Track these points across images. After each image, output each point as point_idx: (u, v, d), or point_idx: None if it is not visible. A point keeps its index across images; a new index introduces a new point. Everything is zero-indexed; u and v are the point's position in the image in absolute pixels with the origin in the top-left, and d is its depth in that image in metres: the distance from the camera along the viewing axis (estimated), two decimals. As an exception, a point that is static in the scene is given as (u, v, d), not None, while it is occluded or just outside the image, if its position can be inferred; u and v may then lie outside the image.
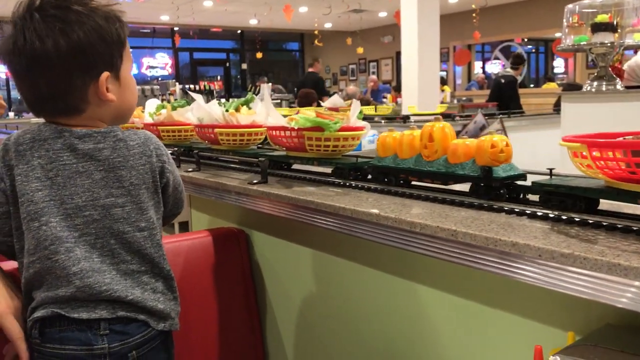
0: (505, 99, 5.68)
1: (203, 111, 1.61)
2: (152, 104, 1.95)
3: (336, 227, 1.08)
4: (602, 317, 0.78)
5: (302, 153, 1.32)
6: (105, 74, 0.92)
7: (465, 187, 1.03)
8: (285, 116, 1.38)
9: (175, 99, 6.37)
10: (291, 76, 14.89)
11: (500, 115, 4.21)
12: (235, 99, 1.66)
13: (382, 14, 11.32)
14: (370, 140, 2.80)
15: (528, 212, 0.88)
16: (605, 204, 0.86)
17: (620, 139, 0.78)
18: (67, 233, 0.90)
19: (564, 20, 2.84)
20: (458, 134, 1.25)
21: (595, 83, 2.75)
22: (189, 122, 1.78)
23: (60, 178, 0.91)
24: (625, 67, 3.24)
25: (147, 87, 6.83)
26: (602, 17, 2.66)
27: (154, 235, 0.97)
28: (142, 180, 0.95)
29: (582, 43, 2.73)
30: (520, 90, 6.21)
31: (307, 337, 1.42)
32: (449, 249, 0.87)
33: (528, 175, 0.97)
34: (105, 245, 0.92)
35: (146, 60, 12.91)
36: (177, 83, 8.09)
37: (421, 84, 5.59)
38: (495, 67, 12.04)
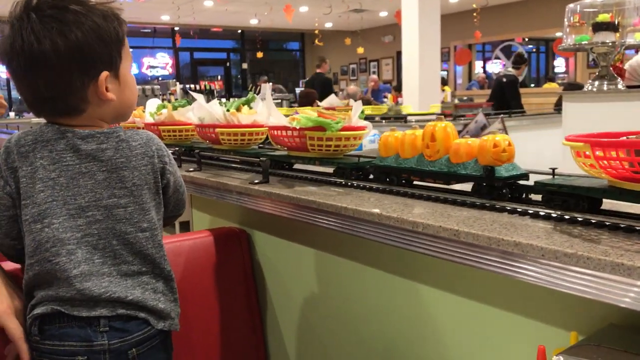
0: (506, 98, 5.68)
1: (204, 111, 1.61)
2: (152, 103, 1.95)
3: (338, 227, 1.08)
4: (605, 317, 0.78)
5: (303, 153, 1.32)
6: (105, 74, 0.91)
7: (467, 186, 1.03)
8: (286, 116, 1.38)
9: (176, 99, 6.37)
10: (292, 76, 14.88)
11: (502, 115, 4.21)
12: (236, 99, 1.66)
13: (383, 14, 11.32)
14: (371, 140, 2.79)
15: (531, 211, 0.88)
16: (607, 204, 0.86)
17: (624, 138, 0.78)
18: (69, 234, 0.90)
19: (565, 19, 2.83)
20: (459, 133, 1.25)
21: (596, 82, 2.75)
22: (190, 121, 1.78)
23: (63, 179, 0.91)
24: (626, 66, 3.24)
25: (147, 87, 6.83)
26: (603, 17, 2.66)
27: (155, 235, 0.97)
28: (144, 181, 0.95)
29: (583, 42, 2.72)
30: (521, 90, 6.20)
31: (309, 337, 1.42)
32: (451, 249, 0.87)
33: (530, 175, 0.97)
34: (107, 246, 0.92)
35: (147, 60, 12.91)
36: (177, 83, 8.09)
37: (422, 84, 5.59)
38: (495, 66, 12.04)
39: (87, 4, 0.91)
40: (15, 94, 11.39)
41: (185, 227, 1.93)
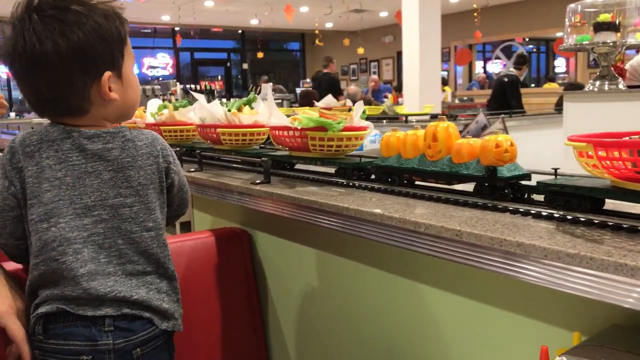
0: (507, 98, 5.68)
1: (205, 111, 1.61)
2: (153, 104, 1.95)
3: (339, 227, 1.08)
4: (608, 317, 0.78)
5: (305, 153, 1.32)
6: (107, 74, 0.91)
7: (469, 187, 1.03)
8: (287, 116, 1.37)
9: (176, 99, 6.37)
10: (292, 76, 14.88)
11: (502, 115, 4.21)
12: (237, 99, 1.66)
13: (383, 14, 11.32)
14: (371, 140, 2.79)
15: (533, 212, 0.88)
16: (609, 204, 0.86)
17: (627, 138, 0.78)
18: (76, 233, 0.90)
19: (566, 19, 2.83)
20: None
21: (597, 82, 2.74)
22: (191, 122, 1.78)
23: (69, 178, 0.91)
24: (627, 66, 3.24)
25: (148, 87, 6.82)
26: (604, 17, 2.66)
27: (160, 235, 0.97)
28: (150, 180, 0.95)
29: (584, 42, 2.72)
30: (522, 90, 6.20)
31: (310, 337, 1.42)
32: (454, 249, 0.87)
33: (532, 175, 0.97)
34: (113, 246, 0.92)
35: (147, 60, 12.92)
36: (178, 83, 8.09)
37: (422, 84, 5.59)
38: (496, 66, 12.04)
39: (89, 4, 0.91)
40: (15, 94, 11.40)
41: (187, 227, 1.93)
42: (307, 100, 5.49)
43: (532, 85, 11.24)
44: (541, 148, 3.23)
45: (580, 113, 2.80)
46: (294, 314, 1.45)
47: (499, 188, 0.95)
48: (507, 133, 3.13)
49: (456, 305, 1.02)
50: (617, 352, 0.70)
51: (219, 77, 13.19)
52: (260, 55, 11.86)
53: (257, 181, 1.32)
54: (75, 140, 0.92)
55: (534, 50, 13.02)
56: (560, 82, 9.85)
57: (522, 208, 0.90)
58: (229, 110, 1.56)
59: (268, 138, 1.52)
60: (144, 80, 11.11)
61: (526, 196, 0.96)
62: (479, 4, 8.64)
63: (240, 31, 13.94)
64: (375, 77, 10.84)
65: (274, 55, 15.52)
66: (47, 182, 0.91)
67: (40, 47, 0.86)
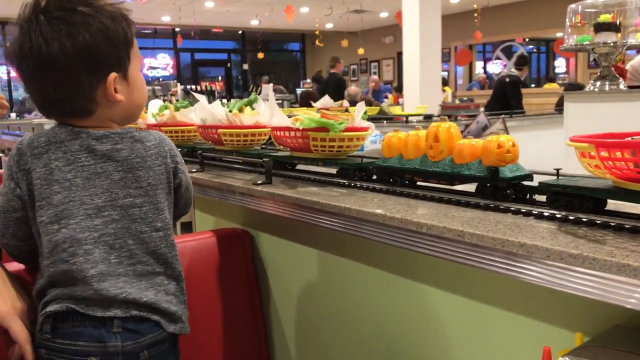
0: (508, 98, 5.68)
1: (206, 112, 1.61)
2: (154, 104, 1.95)
3: (341, 228, 1.08)
4: (610, 317, 0.78)
5: (306, 153, 1.32)
6: (113, 75, 0.92)
7: (470, 187, 1.03)
8: (289, 117, 1.38)
9: (177, 100, 6.37)
10: (292, 76, 14.89)
11: (503, 115, 4.21)
12: (238, 100, 1.66)
13: (383, 15, 11.32)
14: (372, 141, 2.79)
15: (535, 212, 0.88)
16: (611, 204, 0.86)
17: (629, 139, 0.78)
18: (86, 234, 0.90)
19: (567, 20, 2.84)
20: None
21: (598, 83, 2.75)
22: (192, 122, 1.78)
23: (79, 179, 0.91)
24: (628, 66, 3.24)
25: (148, 87, 6.82)
26: (604, 17, 2.66)
27: (168, 235, 0.97)
28: (159, 181, 0.96)
29: (584, 43, 2.72)
30: (522, 90, 6.20)
31: (312, 337, 1.42)
32: (456, 250, 0.87)
33: (534, 176, 0.97)
34: (123, 246, 0.92)
35: (147, 61, 12.92)
36: (178, 84, 8.10)
37: (422, 84, 5.59)
38: (496, 67, 12.04)
39: (96, 5, 0.91)
40: (16, 95, 11.41)
41: (188, 228, 1.93)
42: (307, 101, 5.50)
43: (532, 85, 11.25)
44: (542, 148, 3.23)
45: (581, 113, 2.80)
46: (296, 315, 1.45)
47: (501, 188, 0.96)
48: (507, 133, 3.13)
49: (458, 306, 1.02)
50: (619, 353, 0.70)
51: (220, 78, 13.20)
52: (260, 55, 11.86)
53: (259, 182, 1.32)
54: (84, 141, 0.92)
55: (534, 50, 13.02)
56: (560, 82, 9.85)
57: (524, 208, 0.90)
58: (230, 111, 1.56)
59: (269, 139, 1.53)
60: (144, 80, 11.11)
61: (528, 197, 0.96)
62: (479, 5, 8.64)
63: (240, 32, 13.95)
64: (375, 77, 10.85)
65: (274, 55, 15.52)
66: (57, 183, 0.91)
67: (46, 48, 0.87)
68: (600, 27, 2.65)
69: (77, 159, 0.91)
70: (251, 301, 1.47)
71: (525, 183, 0.97)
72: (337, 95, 6.12)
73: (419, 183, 1.13)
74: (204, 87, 7.83)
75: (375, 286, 1.19)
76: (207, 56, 14.50)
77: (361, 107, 1.34)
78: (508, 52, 11.30)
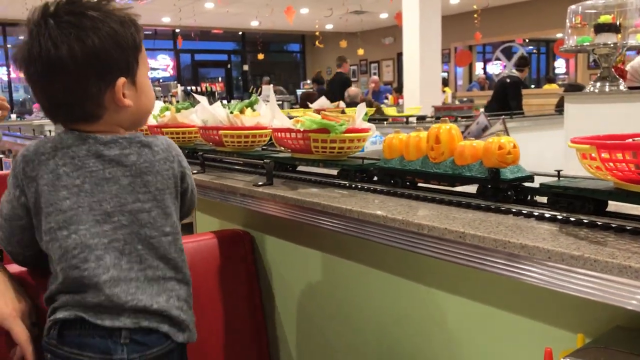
0: (508, 99, 5.69)
1: (207, 113, 1.61)
2: (155, 106, 1.95)
3: (342, 229, 1.08)
4: (611, 319, 0.78)
5: (307, 155, 1.32)
6: (122, 80, 0.91)
7: (471, 188, 1.03)
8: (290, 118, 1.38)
9: (177, 101, 6.37)
10: (292, 77, 14.90)
11: (503, 116, 4.21)
12: (239, 101, 1.66)
13: (383, 16, 11.33)
14: (372, 142, 2.80)
15: (536, 213, 0.88)
16: (612, 206, 0.86)
17: (630, 140, 0.78)
18: (96, 240, 0.89)
19: (567, 20, 2.84)
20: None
21: (598, 84, 2.75)
22: (193, 124, 1.78)
23: (87, 185, 0.90)
24: (628, 67, 3.24)
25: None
26: (605, 18, 2.66)
27: (177, 240, 0.97)
28: (167, 185, 0.95)
29: (585, 44, 2.73)
30: (522, 91, 6.21)
31: (313, 339, 1.42)
32: (457, 251, 0.87)
33: (535, 177, 0.97)
34: (133, 251, 0.92)
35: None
36: (178, 85, 8.10)
37: (423, 85, 5.60)
38: (496, 67, 12.05)
39: (105, 10, 0.90)
40: (16, 96, 11.41)
41: (189, 229, 1.93)
42: (307, 102, 5.50)
43: (532, 86, 11.26)
44: (542, 149, 3.24)
45: (581, 114, 2.80)
46: (297, 316, 1.45)
47: (502, 190, 0.96)
48: (507, 134, 3.14)
49: (459, 307, 1.02)
50: (621, 354, 0.70)
51: (220, 79, 13.20)
52: (260, 56, 11.86)
53: (260, 183, 1.32)
54: (92, 146, 0.91)
55: (534, 51, 13.03)
56: (560, 83, 9.86)
57: (525, 210, 0.90)
58: (231, 112, 1.56)
59: (270, 140, 1.53)
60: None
61: (529, 198, 0.96)
62: (479, 5, 8.65)
63: (240, 33, 13.96)
64: (375, 78, 10.86)
65: (274, 56, 15.53)
66: (65, 189, 0.90)
67: (55, 52, 0.86)
68: (600, 28, 2.66)
69: (85, 165, 0.91)
70: (252, 302, 1.48)
71: (527, 184, 0.97)
72: (343, 95, 6.13)
73: (420, 184, 1.13)
74: (204, 88, 7.84)
75: (377, 287, 1.19)
76: (207, 57, 14.51)
77: (362, 108, 1.34)
78: (508, 53, 11.31)
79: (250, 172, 1.54)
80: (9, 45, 10.74)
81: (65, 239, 0.89)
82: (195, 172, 1.59)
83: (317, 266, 1.36)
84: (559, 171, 0.93)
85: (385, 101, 8.16)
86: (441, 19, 5.72)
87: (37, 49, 0.87)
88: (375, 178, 1.22)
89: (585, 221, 0.82)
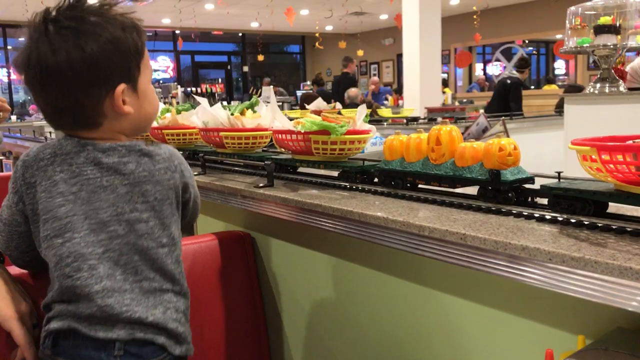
0: (508, 100, 5.69)
1: (208, 115, 1.62)
2: (156, 107, 1.95)
3: (343, 231, 1.08)
4: (612, 320, 0.78)
5: (308, 156, 1.33)
6: (121, 87, 0.89)
7: (471, 190, 1.03)
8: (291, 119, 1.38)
9: (178, 102, 6.38)
10: (292, 79, 14.91)
11: (503, 117, 4.22)
12: (239, 102, 1.66)
13: (383, 17, 11.34)
14: (372, 143, 2.80)
15: (537, 215, 0.88)
16: (612, 207, 0.87)
17: (630, 142, 0.78)
18: (91, 249, 0.88)
19: (567, 22, 2.84)
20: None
21: (598, 85, 2.75)
22: (194, 125, 1.78)
23: (84, 192, 0.89)
24: (627, 68, 3.25)
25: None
26: (604, 19, 2.67)
27: (173, 251, 0.95)
28: (166, 196, 0.93)
29: (585, 45, 2.73)
30: (522, 92, 6.21)
31: (314, 340, 1.42)
32: (458, 253, 0.87)
33: (536, 178, 0.98)
34: (129, 262, 0.90)
35: (147, 63, 12.93)
36: (178, 86, 8.11)
37: (423, 86, 5.60)
38: (496, 68, 12.06)
39: (106, 15, 0.89)
40: (16, 97, 11.41)
41: (190, 230, 1.93)
42: (307, 103, 5.50)
43: (532, 87, 11.27)
44: (542, 150, 3.24)
45: (581, 115, 2.81)
46: (298, 317, 1.45)
47: (503, 191, 0.96)
48: (507, 135, 3.15)
49: (460, 308, 1.02)
50: (622, 355, 0.70)
51: (220, 80, 13.20)
52: (260, 58, 11.87)
53: (261, 184, 1.32)
54: (90, 153, 0.90)
55: (534, 52, 13.04)
56: (560, 84, 9.86)
57: (525, 211, 0.90)
58: (232, 114, 1.57)
59: (271, 141, 1.53)
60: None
61: (530, 199, 0.96)
62: (479, 7, 8.65)
63: (240, 34, 13.97)
64: (375, 79, 10.87)
65: (274, 58, 15.55)
66: (62, 196, 0.88)
67: (53, 58, 0.85)
68: (600, 30, 2.66)
69: (82, 172, 0.89)
70: (253, 304, 1.48)
71: (527, 186, 0.97)
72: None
73: (420, 186, 1.13)
74: (204, 89, 7.85)
75: (377, 289, 1.19)
76: (207, 58, 14.51)
77: (362, 110, 1.35)
78: (508, 54, 11.32)
79: (251, 174, 1.54)
80: (9, 47, 10.76)
81: (60, 246, 0.88)
82: (196, 173, 1.59)
83: (317, 267, 1.36)
84: (559, 173, 0.93)
85: (385, 102, 8.17)
86: (441, 20, 5.72)
87: (36, 55, 0.86)
88: (376, 179, 1.22)
89: (585, 223, 0.82)
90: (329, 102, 3.68)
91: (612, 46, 2.65)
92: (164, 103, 3.59)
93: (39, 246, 0.92)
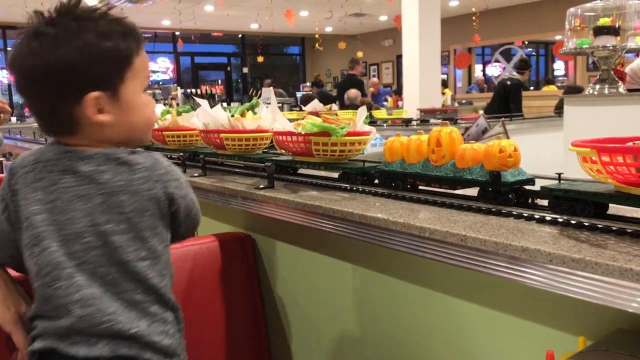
0: (508, 101, 5.69)
1: (208, 116, 1.62)
2: (157, 109, 1.95)
3: (344, 232, 1.08)
4: (613, 321, 0.78)
5: (308, 158, 1.33)
6: (93, 94, 0.85)
7: (472, 191, 1.03)
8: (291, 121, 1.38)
9: (177, 103, 6.38)
10: (292, 80, 14.92)
11: (502, 118, 4.22)
12: (239, 104, 1.67)
13: (383, 18, 11.35)
14: (372, 144, 2.80)
15: (537, 216, 0.89)
16: (613, 209, 0.87)
17: (630, 143, 0.78)
18: (66, 258, 0.85)
19: (566, 23, 2.85)
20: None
21: (597, 86, 2.76)
22: (194, 127, 1.78)
23: (60, 201, 0.86)
24: (627, 70, 3.25)
25: (148, 91, 6.85)
26: (604, 21, 2.67)
27: (156, 264, 0.89)
28: (145, 207, 0.88)
29: (584, 46, 2.74)
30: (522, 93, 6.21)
31: (314, 342, 1.42)
32: (458, 254, 0.87)
33: (536, 180, 0.98)
34: (107, 274, 0.86)
35: (147, 65, 12.94)
36: (178, 87, 8.12)
37: (422, 87, 5.60)
38: (495, 69, 12.07)
39: (89, 21, 0.86)
40: (16, 98, 11.41)
41: (189, 232, 1.93)
42: (307, 104, 5.50)
43: (531, 88, 11.27)
44: (542, 151, 3.24)
45: (580, 116, 2.81)
46: (298, 319, 1.45)
47: (503, 193, 0.96)
48: (507, 136, 3.15)
49: (460, 310, 1.02)
50: (622, 357, 0.70)
51: (219, 82, 13.22)
52: (260, 59, 11.88)
53: (261, 186, 1.32)
54: (68, 161, 0.87)
55: (533, 53, 13.06)
56: (559, 84, 9.87)
57: (526, 213, 0.90)
58: (232, 116, 1.57)
59: (271, 143, 1.53)
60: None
61: (530, 201, 0.97)
62: (478, 7, 8.66)
63: (240, 35, 13.98)
64: (375, 80, 10.87)
65: (274, 59, 15.56)
66: (39, 204, 0.87)
67: (30, 62, 0.85)
68: (599, 31, 2.67)
69: (60, 180, 0.87)
70: (253, 305, 1.48)
71: (527, 187, 0.97)
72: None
73: (421, 187, 1.13)
74: (204, 91, 7.86)
75: (378, 290, 1.19)
76: (207, 60, 14.52)
77: (362, 111, 1.35)
78: (507, 55, 11.33)
79: (251, 175, 1.55)
80: (9, 49, 10.75)
81: (39, 255, 0.86)
82: (196, 175, 1.59)
83: (318, 269, 1.36)
84: (559, 174, 0.93)
85: (385, 103, 8.18)
86: (440, 21, 5.73)
87: (17, 58, 0.86)
88: (377, 181, 1.22)
89: (586, 224, 0.82)
90: (328, 103, 3.69)
91: (611, 47, 2.65)
92: (164, 104, 3.59)
93: (23, 254, 0.90)
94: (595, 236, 0.79)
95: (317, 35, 10.71)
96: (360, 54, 11.14)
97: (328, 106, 3.96)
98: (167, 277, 0.92)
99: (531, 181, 0.97)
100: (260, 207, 1.31)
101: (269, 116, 1.54)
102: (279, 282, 1.49)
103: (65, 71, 0.84)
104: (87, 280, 0.85)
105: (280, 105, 6.89)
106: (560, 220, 0.86)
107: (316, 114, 1.49)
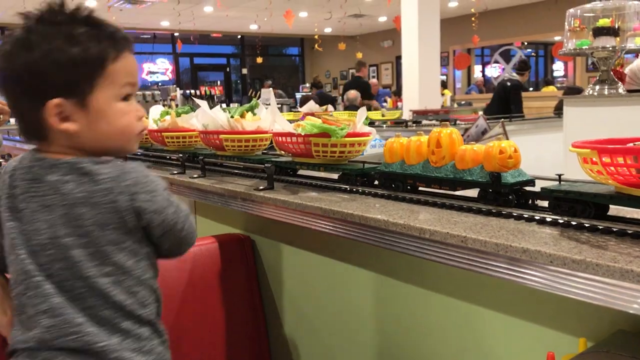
0: (508, 102, 5.70)
1: (208, 117, 1.62)
2: (156, 110, 1.95)
3: (343, 233, 1.08)
4: (614, 323, 0.78)
5: (308, 159, 1.33)
6: (55, 101, 0.82)
7: (472, 193, 1.03)
8: (291, 122, 1.38)
9: (177, 104, 6.38)
10: (291, 81, 14.93)
11: (502, 119, 4.22)
12: (238, 105, 1.66)
13: (382, 19, 11.36)
14: (372, 145, 2.80)
15: (537, 218, 0.89)
16: (613, 210, 0.87)
17: (631, 144, 0.78)
18: (34, 267, 0.83)
19: (566, 24, 2.85)
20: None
21: (597, 87, 2.76)
22: (193, 128, 1.78)
23: (28, 211, 0.84)
24: (626, 70, 3.25)
25: (148, 92, 6.86)
26: (603, 21, 2.67)
27: (122, 281, 0.84)
28: (108, 221, 0.83)
29: (584, 47, 2.74)
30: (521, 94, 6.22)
31: (314, 343, 1.42)
32: (459, 255, 0.87)
33: (536, 181, 0.98)
34: (73, 288, 0.83)
35: (146, 66, 12.94)
36: (177, 88, 8.12)
37: (422, 88, 5.61)
38: (494, 70, 12.08)
39: (66, 24, 0.83)
40: (15, 100, 11.36)
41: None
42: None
43: (531, 89, 11.28)
44: (541, 152, 3.24)
45: (580, 117, 2.81)
46: (298, 320, 1.45)
47: (503, 194, 0.96)
48: (507, 137, 3.15)
49: (461, 311, 1.02)
50: (623, 358, 0.70)
51: (219, 82, 13.21)
52: (259, 60, 11.88)
53: (261, 187, 1.32)
54: (39, 169, 0.85)
55: (533, 54, 13.07)
56: (559, 85, 9.88)
57: (526, 214, 0.90)
58: (232, 117, 1.57)
59: (271, 144, 1.53)
60: (144, 85, 11.12)
61: (530, 202, 0.97)
62: (477, 8, 8.67)
63: (239, 36, 13.98)
64: (374, 81, 10.88)
65: (273, 60, 15.56)
66: (12, 212, 0.85)
67: (2, 66, 0.84)
68: (599, 32, 2.67)
69: (30, 188, 0.84)
70: (253, 306, 1.48)
71: (528, 188, 0.97)
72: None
73: (421, 188, 1.13)
74: (203, 92, 7.85)
75: (378, 291, 1.19)
76: (206, 61, 14.52)
77: (362, 112, 1.35)
78: (506, 56, 11.34)
79: (251, 177, 1.54)
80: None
81: (13, 263, 0.85)
82: (195, 176, 1.59)
83: (317, 270, 1.36)
84: (559, 175, 0.93)
85: (384, 104, 8.18)
86: (440, 22, 5.73)
87: None
88: (376, 182, 1.22)
89: (586, 225, 0.82)
90: (327, 104, 3.69)
91: (610, 48, 2.66)
92: (163, 105, 3.58)
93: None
94: (596, 237, 0.79)
95: (316, 36, 10.72)
96: (359, 55, 11.15)
97: (324, 107, 3.97)
98: (140, 292, 0.87)
99: (531, 182, 0.97)
100: (260, 209, 1.31)
101: (268, 117, 1.54)
102: (278, 283, 1.49)
103: (28, 76, 0.82)
104: (55, 290, 0.82)
105: (280, 106, 6.89)
106: (561, 221, 0.85)
107: (312, 114, 1.49)
